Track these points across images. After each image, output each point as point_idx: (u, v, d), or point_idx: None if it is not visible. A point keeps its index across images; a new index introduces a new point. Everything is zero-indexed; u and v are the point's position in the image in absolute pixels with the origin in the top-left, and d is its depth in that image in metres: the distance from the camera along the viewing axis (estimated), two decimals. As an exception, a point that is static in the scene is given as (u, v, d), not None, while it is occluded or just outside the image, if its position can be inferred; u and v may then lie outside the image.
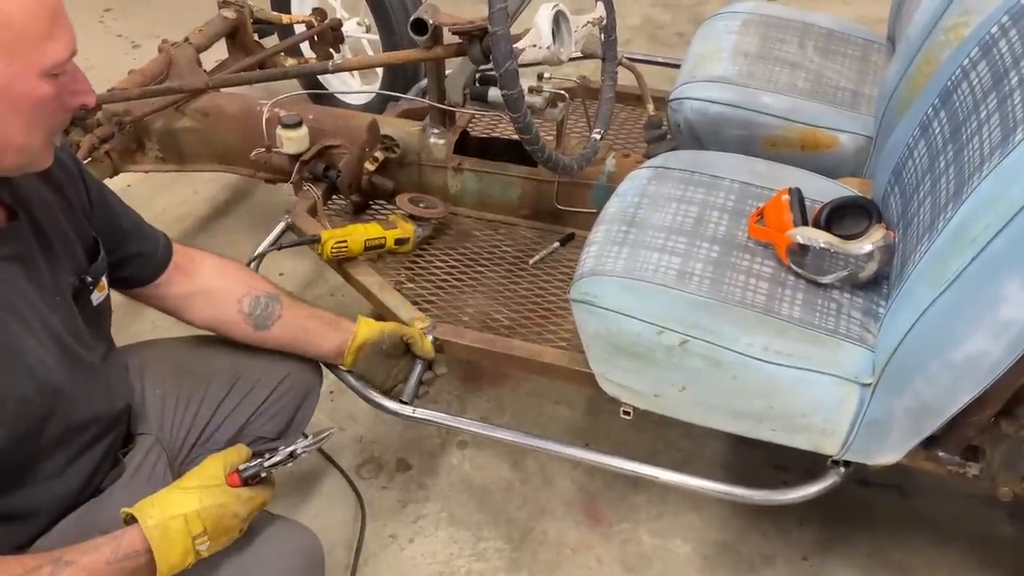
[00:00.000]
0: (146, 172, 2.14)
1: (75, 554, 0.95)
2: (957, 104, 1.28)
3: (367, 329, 1.42)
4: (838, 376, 1.24)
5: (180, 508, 1.00)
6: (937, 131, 1.32)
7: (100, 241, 1.15)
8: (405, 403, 1.50)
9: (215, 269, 1.33)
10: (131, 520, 1.00)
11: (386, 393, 1.49)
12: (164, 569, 0.98)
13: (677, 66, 2.09)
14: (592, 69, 2.53)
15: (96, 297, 1.12)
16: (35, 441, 0.99)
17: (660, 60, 2.44)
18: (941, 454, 1.31)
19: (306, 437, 1.15)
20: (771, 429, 1.32)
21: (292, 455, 1.10)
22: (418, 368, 1.50)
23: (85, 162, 1.90)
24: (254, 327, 1.31)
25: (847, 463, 1.35)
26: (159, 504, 1.01)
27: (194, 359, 1.35)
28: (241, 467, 1.07)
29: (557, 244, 1.84)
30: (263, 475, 1.08)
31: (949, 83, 1.32)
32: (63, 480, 1.05)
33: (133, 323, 1.23)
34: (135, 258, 1.24)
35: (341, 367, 1.44)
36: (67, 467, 1.06)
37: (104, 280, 1.14)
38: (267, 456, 1.09)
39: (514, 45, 1.39)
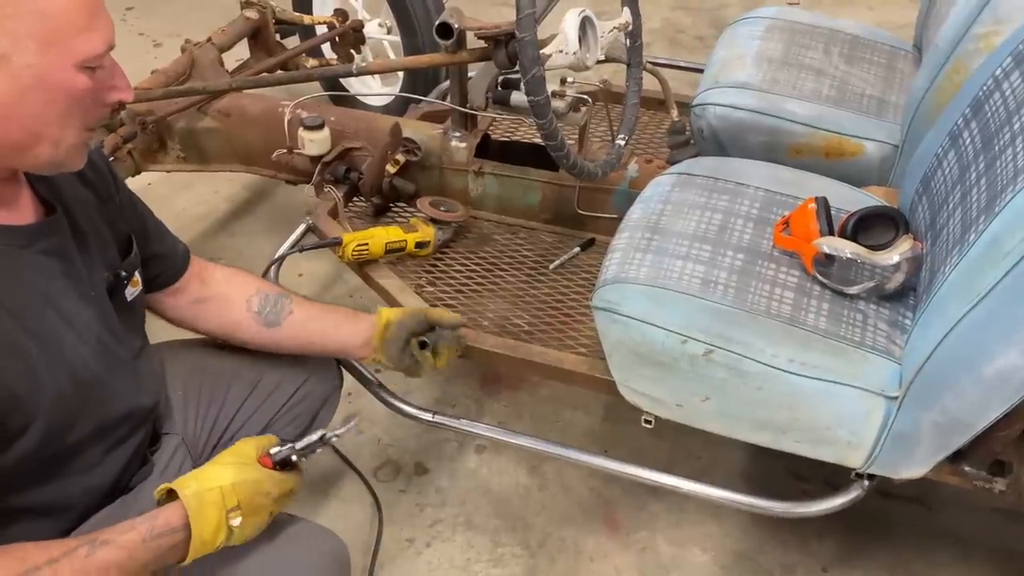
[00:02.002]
0: (168, 172, 2.15)
1: (112, 534, 0.96)
2: (989, 115, 1.26)
3: (389, 312, 1.39)
4: (864, 389, 1.22)
5: (216, 480, 1.01)
6: (968, 141, 1.30)
7: (132, 237, 1.15)
8: (424, 408, 1.49)
9: (225, 275, 1.34)
10: (165, 501, 1.02)
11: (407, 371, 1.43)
12: (197, 543, 0.98)
13: (699, 70, 2.08)
14: (613, 72, 2.53)
15: (130, 292, 1.13)
16: (69, 435, 1.00)
17: (682, 64, 2.43)
18: (967, 468, 1.29)
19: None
20: (795, 441, 1.30)
21: (322, 439, 1.10)
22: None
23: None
24: (265, 324, 1.30)
25: (871, 476, 1.34)
26: (196, 477, 1.02)
27: (214, 360, 1.35)
28: (273, 450, 1.09)
29: (577, 249, 1.83)
30: (293, 459, 1.09)
31: (981, 93, 1.30)
32: (95, 475, 1.06)
33: (150, 321, 1.24)
34: (158, 259, 1.25)
35: (365, 359, 1.40)
36: (99, 462, 1.06)
37: (137, 275, 1.15)
38: (296, 441, 1.10)
39: (540, 51, 1.39)
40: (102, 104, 0.94)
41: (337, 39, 2.42)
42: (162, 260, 1.25)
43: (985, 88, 1.30)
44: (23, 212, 0.98)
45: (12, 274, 0.94)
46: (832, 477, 1.41)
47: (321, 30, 2.47)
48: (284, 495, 1.09)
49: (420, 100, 2.15)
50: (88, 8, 0.88)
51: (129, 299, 1.13)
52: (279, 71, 2.28)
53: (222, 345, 1.36)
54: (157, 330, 1.29)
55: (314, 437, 1.10)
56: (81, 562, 0.92)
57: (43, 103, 0.88)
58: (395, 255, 1.75)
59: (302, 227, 1.79)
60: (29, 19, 0.84)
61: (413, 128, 1.93)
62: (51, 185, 1.02)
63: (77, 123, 0.92)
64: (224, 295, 1.31)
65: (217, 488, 1.00)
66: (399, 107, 2.43)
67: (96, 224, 1.08)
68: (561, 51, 1.44)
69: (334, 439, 1.12)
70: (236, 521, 1.01)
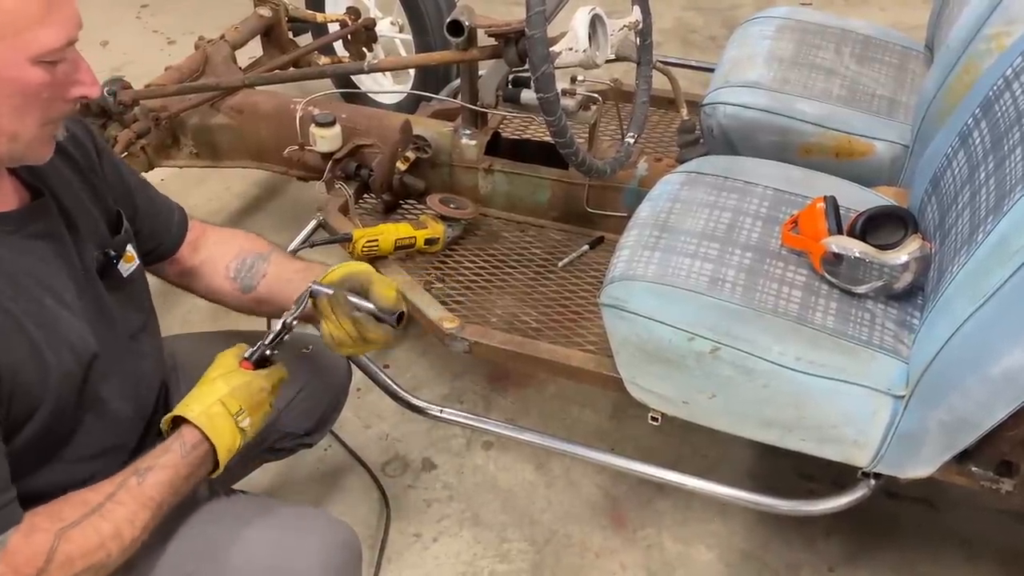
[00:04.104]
0: (180, 167, 2.17)
1: (150, 460, 1.01)
2: (999, 115, 1.26)
3: (340, 269, 1.21)
4: (871, 388, 1.22)
5: (214, 395, 1.05)
6: (978, 141, 1.30)
7: (121, 213, 1.14)
8: (432, 403, 1.50)
9: (216, 239, 1.33)
10: (171, 430, 1.05)
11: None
12: (222, 452, 1.04)
13: (710, 70, 2.08)
14: (624, 71, 2.53)
15: (125, 268, 1.12)
16: (71, 418, 1.01)
17: (693, 64, 2.43)
18: (974, 469, 1.29)
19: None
20: (801, 439, 1.31)
21: (285, 326, 1.13)
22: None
23: (121, 156, 1.92)
24: (241, 290, 1.29)
25: (877, 475, 1.34)
26: (194, 399, 1.06)
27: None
28: (246, 354, 1.12)
29: (586, 247, 1.84)
30: (268, 354, 1.12)
31: (991, 93, 1.30)
32: (100, 462, 1.06)
33: (163, 317, 1.26)
34: (149, 236, 1.23)
35: None
36: (100, 449, 1.07)
37: (131, 250, 1.14)
38: (264, 338, 1.13)
39: (550, 48, 1.39)
40: (63, 99, 0.91)
41: (349, 37, 2.43)
42: (153, 236, 1.23)
43: (995, 88, 1.29)
44: (6, 199, 0.97)
45: (3, 260, 0.93)
46: (839, 477, 1.41)
47: (333, 28, 2.48)
48: (276, 385, 1.12)
49: (431, 98, 2.16)
50: (44, 1, 0.84)
51: (125, 275, 1.12)
52: (291, 68, 2.30)
53: (231, 336, 1.37)
54: (177, 324, 1.31)
55: (277, 326, 1.13)
56: (137, 490, 0.98)
57: None
58: (405, 252, 1.76)
59: (313, 223, 1.81)
60: None
61: (423, 126, 1.94)
62: (35, 170, 1.01)
63: (35, 118, 0.89)
64: (210, 260, 1.30)
65: (217, 401, 1.05)
66: (410, 105, 2.45)
67: (84, 204, 1.07)
68: (571, 49, 1.45)
69: (294, 322, 1.14)
70: (245, 422, 1.06)
